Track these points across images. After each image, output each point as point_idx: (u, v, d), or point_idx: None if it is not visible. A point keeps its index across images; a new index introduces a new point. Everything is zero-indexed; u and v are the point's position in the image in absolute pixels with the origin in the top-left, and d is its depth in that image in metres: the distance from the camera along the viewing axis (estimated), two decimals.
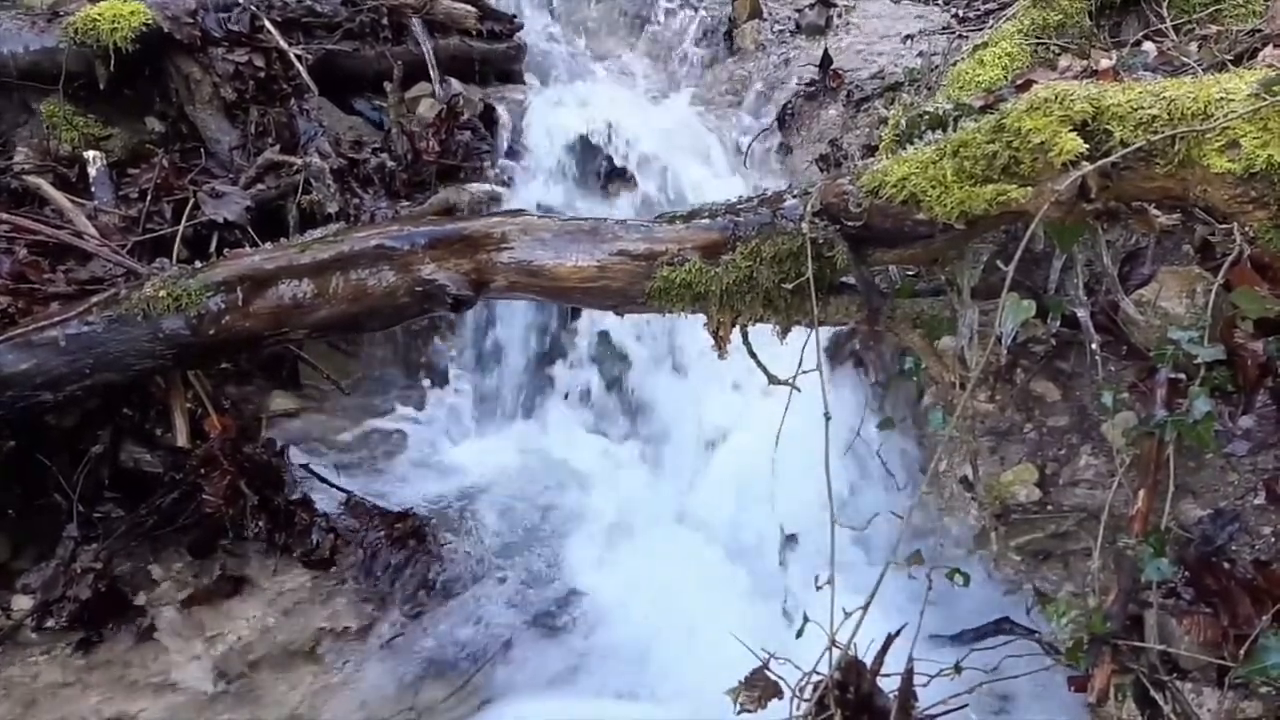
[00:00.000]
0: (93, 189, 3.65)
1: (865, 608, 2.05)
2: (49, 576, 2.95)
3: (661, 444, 3.88)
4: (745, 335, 2.50)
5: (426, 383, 4.06)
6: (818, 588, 2.12)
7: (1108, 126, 1.87)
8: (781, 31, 5.33)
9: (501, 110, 4.55)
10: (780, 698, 2.14)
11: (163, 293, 2.73)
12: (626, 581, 3.26)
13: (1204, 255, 2.62)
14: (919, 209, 2.13)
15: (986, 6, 4.67)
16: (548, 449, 3.91)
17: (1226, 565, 2.29)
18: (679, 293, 2.43)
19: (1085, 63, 3.12)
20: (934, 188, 2.09)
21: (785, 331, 2.46)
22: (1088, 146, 1.87)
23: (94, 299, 2.82)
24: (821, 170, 4.26)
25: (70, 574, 2.92)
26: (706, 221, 2.45)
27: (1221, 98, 1.79)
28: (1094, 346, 2.52)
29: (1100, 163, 1.86)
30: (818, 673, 2.11)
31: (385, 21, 4.44)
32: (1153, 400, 2.43)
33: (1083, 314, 2.52)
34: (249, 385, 3.72)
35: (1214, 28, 3.12)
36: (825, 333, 2.85)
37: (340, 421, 3.78)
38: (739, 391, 3.77)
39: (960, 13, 4.85)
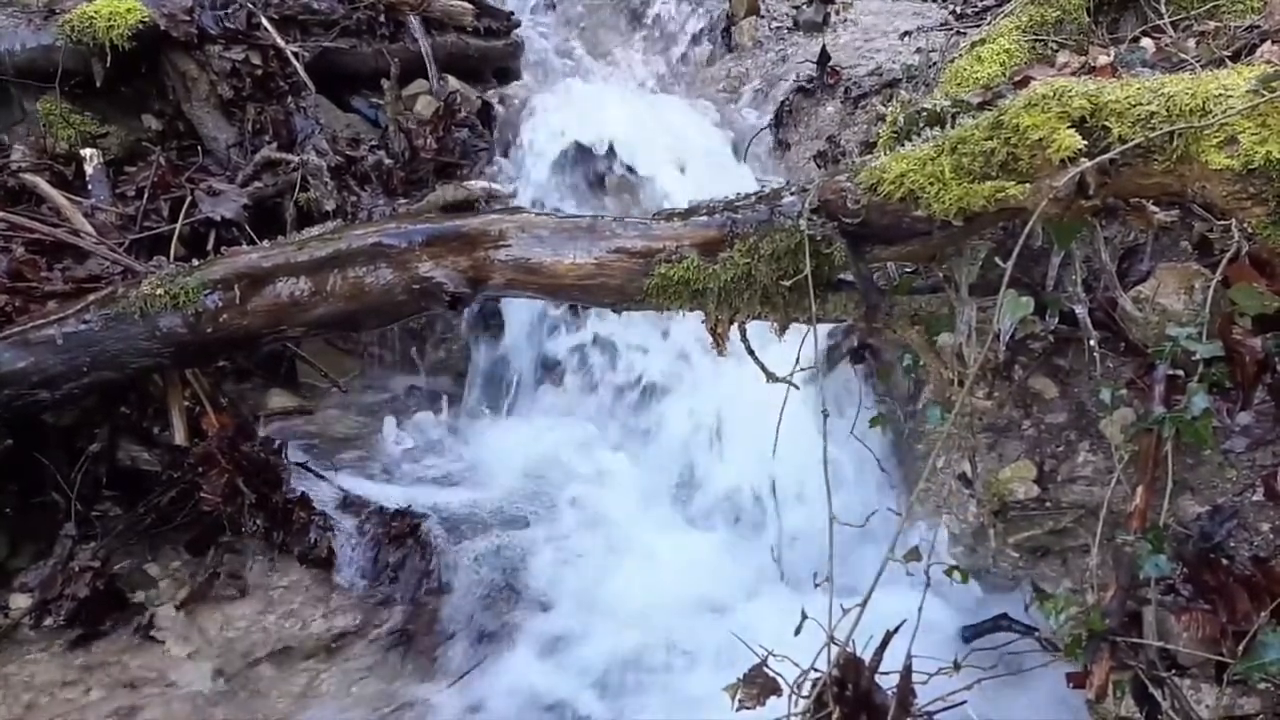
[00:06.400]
0: (89, 187, 3.65)
1: (863, 604, 2.05)
2: (47, 575, 2.94)
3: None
4: (744, 333, 2.50)
5: (425, 379, 4.06)
6: (816, 585, 2.12)
7: (1106, 123, 1.87)
8: (779, 28, 5.33)
9: (499, 107, 4.55)
10: (779, 695, 2.14)
11: (160, 291, 2.72)
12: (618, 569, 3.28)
13: (1202, 251, 2.62)
14: (917, 206, 2.13)
15: (984, 3, 4.67)
16: (545, 444, 3.91)
17: (1225, 562, 2.29)
18: (677, 290, 2.42)
19: (1083, 59, 3.12)
20: (932, 184, 2.08)
21: (783, 329, 2.46)
22: (1086, 143, 1.87)
23: (91, 297, 2.81)
24: (819, 167, 4.26)
25: (68, 572, 2.92)
26: (704, 219, 2.44)
27: (1220, 94, 1.79)
28: (1092, 343, 2.52)
29: (1098, 159, 1.86)
30: (816, 670, 2.11)
31: (382, 19, 4.44)
32: (1151, 397, 2.43)
33: (1081, 310, 2.51)
34: (247, 383, 3.72)
35: (1212, 24, 3.12)
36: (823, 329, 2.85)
37: (338, 419, 3.78)
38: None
39: (958, 9, 4.85)
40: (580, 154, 4.38)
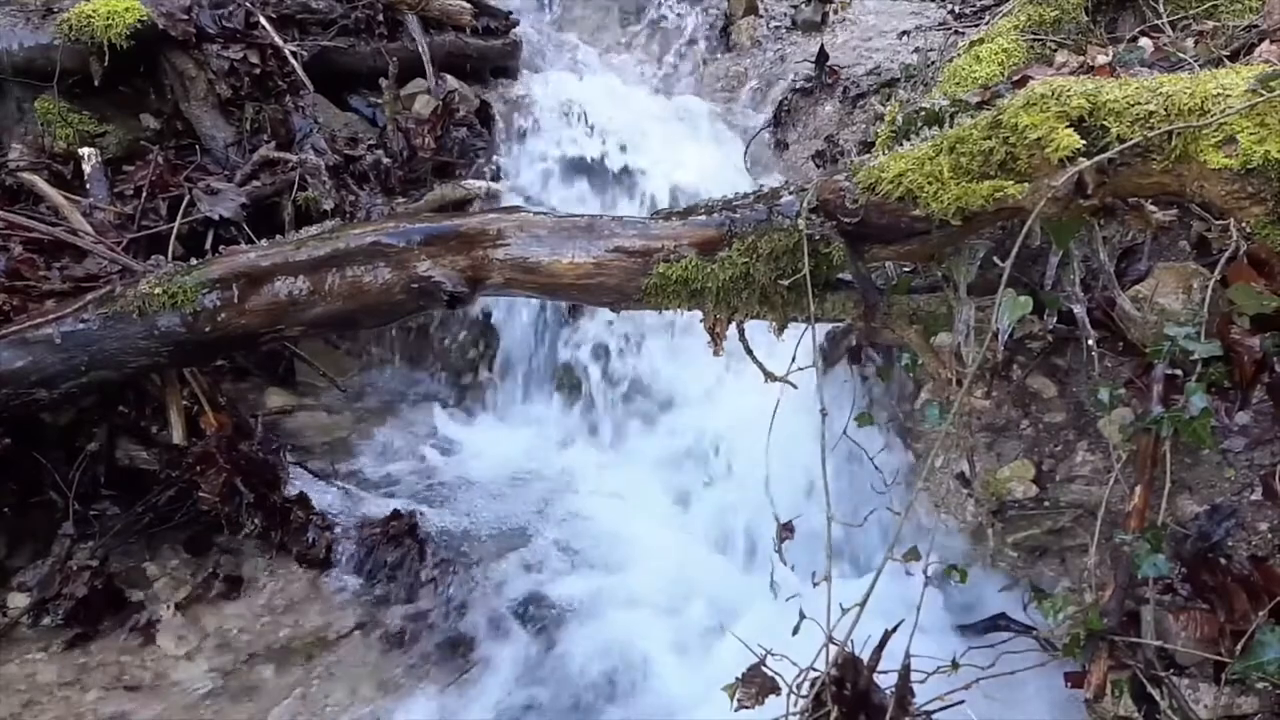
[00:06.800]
0: (88, 186, 3.64)
1: (862, 604, 2.05)
2: (45, 574, 2.95)
3: None
4: (742, 332, 2.50)
5: (423, 379, 4.06)
6: (814, 584, 2.12)
7: (1104, 122, 1.87)
8: (778, 28, 5.33)
9: (497, 106, 4.55)
10: (777, 694, 2.14)
11: (158, 290, 2.72)
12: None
13: (1200, 251, 2.62)
14: (915, 205, 2.13)
15: (983, 2, 4.67)
16: (543, 442, 3.91)
17: (1223, 561, 2.29)
18: (675, 289, 2.42)
19: (1082, 58, 3.12)
20: (930, 184, 2.08)
21: (782, 328, 2.46)
22: (1084, 142, 1.87)
23: (89, 296, 2.81)
24: (818, 166, 4.26)
25: (66, 571, 2.93)
26: (703, 218, 2.44)
27: (1218, 93, 1.79)
28: (1090, 343, 2.52)
29: (1097, 158, 1.86)
30: (815, 669, 2.11)
31: (380, 18, 4.44)
32: (1149, 396, 2.43)
33: (1079, 310, 2.51)
34: (245, 382, 3.73)
35: (1210, 23, 3.12)
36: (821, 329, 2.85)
37: (336, 418, 3.78)
38: None
39: (956, 9, 4.85)
40: (577, 152, 4.40)
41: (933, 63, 4.08)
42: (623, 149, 4.42)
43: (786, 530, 2.48)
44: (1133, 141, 1.84)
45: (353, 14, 4.37)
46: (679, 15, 5.56)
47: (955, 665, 2.24)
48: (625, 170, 4.38)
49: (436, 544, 3.22)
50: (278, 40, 4.06)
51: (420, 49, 4.48)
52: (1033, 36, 3.33)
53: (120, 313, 2.74)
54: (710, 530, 3.47)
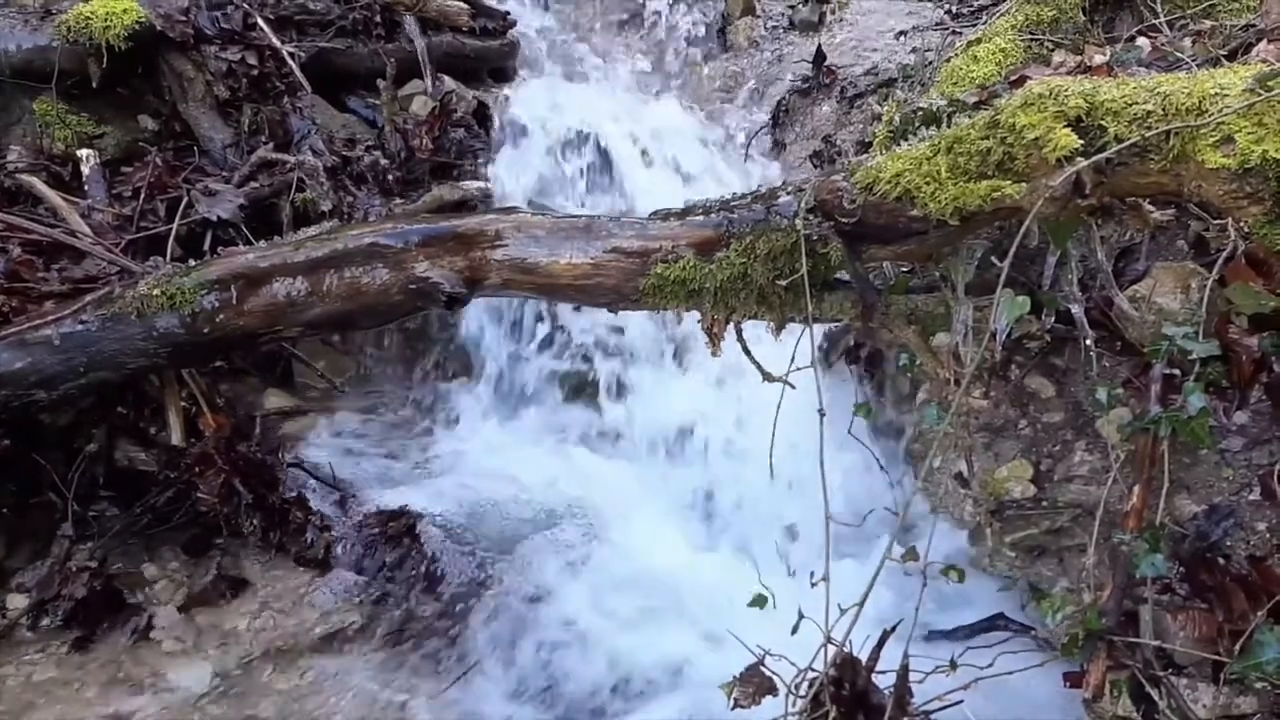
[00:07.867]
0: (86, 187, 3.64)
1: (861, 604, 2.05)
2: (44, 575, 2.94)
3: None
4: (740, 332, 2.50)
5: (421, 379, 4.06)
6: (812, 584, 2.12)
7: (1102, 122, 1.88)
8: (775, 28, 5.34)
9: (495, 107, 4.55)
10: (775, 694, 2.14)
11: (157, 291, 2.72)
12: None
13: (1198, 251, 2.62)
14: (913, 205, 2.13)
15: (980, 2, 4.67)
16: (547, 442, 3.91)
17: (1221, 561, 2.29)
18: (673, 290, 2.42)
19: (1079, 58, 3.13)
20: (928, 184, 2.09)
21: (780, 328, 2.46)
22: (1082, 142, 1.87)
23: (88, 298, 2.81)
24: (815, 167, 4.26)
25: (65, 573, 2.92)
26: (701, 218, 2.44)
27: (1216, 93, 1.80)
28: (1088, 342, 2.52)
29: (1095, 158, 1.86)
30: (813, 669, 2.11)
31: (378, 19, 4.44)
32: (1147, 396, 2.43)
33: (1077, 310, 2.52)
34: (243, 383, 3.72)
35: (1208, 23, 3.12)
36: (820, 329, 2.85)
37: (334, 418, 3.78)
38: None
39: (953, 8, 4.85)
40: (575, 152, 4.40)
41: (930, 63, 4.08)
42: (616, 147, 4.41)
43: None
44: (1130, 141, 1.84)
45: (350, 15, 4.38)
46: (677, 16, 5.56)
47: (954, 665, 2.24)
48: (619, 170, 4.37)
49: (436, 545, 3.22)
50: (275, 41, 4.06)
51: (418, 50, 4.48)
52: (1030, 36, 3.33)
53: (119, 314, 2.74)
54: (720, 533, 3.47)
